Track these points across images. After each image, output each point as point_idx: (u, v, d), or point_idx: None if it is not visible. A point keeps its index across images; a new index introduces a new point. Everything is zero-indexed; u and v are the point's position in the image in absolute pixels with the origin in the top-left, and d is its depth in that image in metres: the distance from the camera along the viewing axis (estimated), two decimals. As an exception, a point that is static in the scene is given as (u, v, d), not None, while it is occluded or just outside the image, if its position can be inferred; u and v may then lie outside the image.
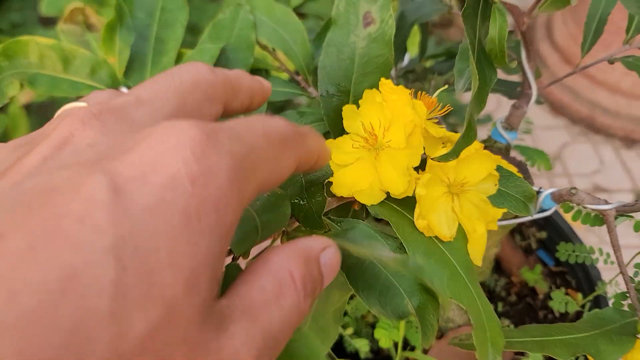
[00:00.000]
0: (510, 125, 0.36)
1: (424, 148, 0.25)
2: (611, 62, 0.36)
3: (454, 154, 0.22)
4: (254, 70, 0.32)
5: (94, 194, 0.12)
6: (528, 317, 0.46)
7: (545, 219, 0.49)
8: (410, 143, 0.25)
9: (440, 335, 0.43)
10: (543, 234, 0.51)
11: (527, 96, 0.35)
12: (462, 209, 0.25)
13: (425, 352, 0.40)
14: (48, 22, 1.15)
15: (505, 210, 0.26)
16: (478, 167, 0.25)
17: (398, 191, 0.24)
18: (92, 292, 0.11)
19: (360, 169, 0.26)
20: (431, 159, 0.24)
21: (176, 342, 0.13)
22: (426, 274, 0.22)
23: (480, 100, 0.24)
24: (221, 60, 0.31)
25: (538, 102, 0.36)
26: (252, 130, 0.15)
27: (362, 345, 0.39)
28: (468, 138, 0.23)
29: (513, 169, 0.27)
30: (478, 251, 0.25)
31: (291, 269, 0.16)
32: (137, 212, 0.12)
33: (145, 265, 0.12)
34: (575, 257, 0.39)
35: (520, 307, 0.46)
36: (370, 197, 0.25)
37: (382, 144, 0.25)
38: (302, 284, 0.16)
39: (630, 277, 0.32)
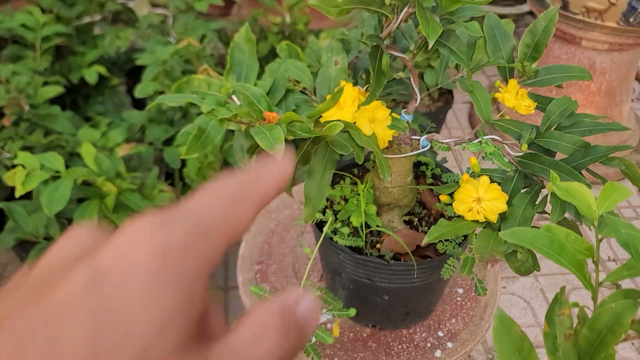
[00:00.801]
0: (407, 112, 0.75)
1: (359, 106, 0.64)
2: (454, 81, 0.76)
3: (366, 102, 0.61)
4: (288, 90, 0.72)
5: (76, 280, 0.16)
6: (439, 227, 0.82)
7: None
8: (352, 104, 0.64)
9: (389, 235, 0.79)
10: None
11: (415, 99, 0.75)
12: (375, 128, 0.63)
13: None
14: (118, 109, 1.58)
15: (394, 132, 0.64)
16: (380, 112, 0.64)
17: (349, 121, 0.62)
18: (73, 346, 0.15)
19: (333, 117, 0.64)
20: (359, 105, 0.63)
21: None
22: (358, 141, 0.60)
23: (377, 86, 0.63)
24: (273, 86, 0.71)
25: (421, 101, 0.75)
26: (208, 205, 0.19)
27: (345, 229, 0.75)
28: (371, 98, 0.61)
29: (397, 116, 0.66)
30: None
31: (265, 321, 0.19)
32: (108, 286, 0.16)
33: (117, 320, 0.16)
34: (452, 179, 0.76)
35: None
36: (338, 126, 0.63)
37: (343, 106, 0.64)
38: (279, 331, 0.19)
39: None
